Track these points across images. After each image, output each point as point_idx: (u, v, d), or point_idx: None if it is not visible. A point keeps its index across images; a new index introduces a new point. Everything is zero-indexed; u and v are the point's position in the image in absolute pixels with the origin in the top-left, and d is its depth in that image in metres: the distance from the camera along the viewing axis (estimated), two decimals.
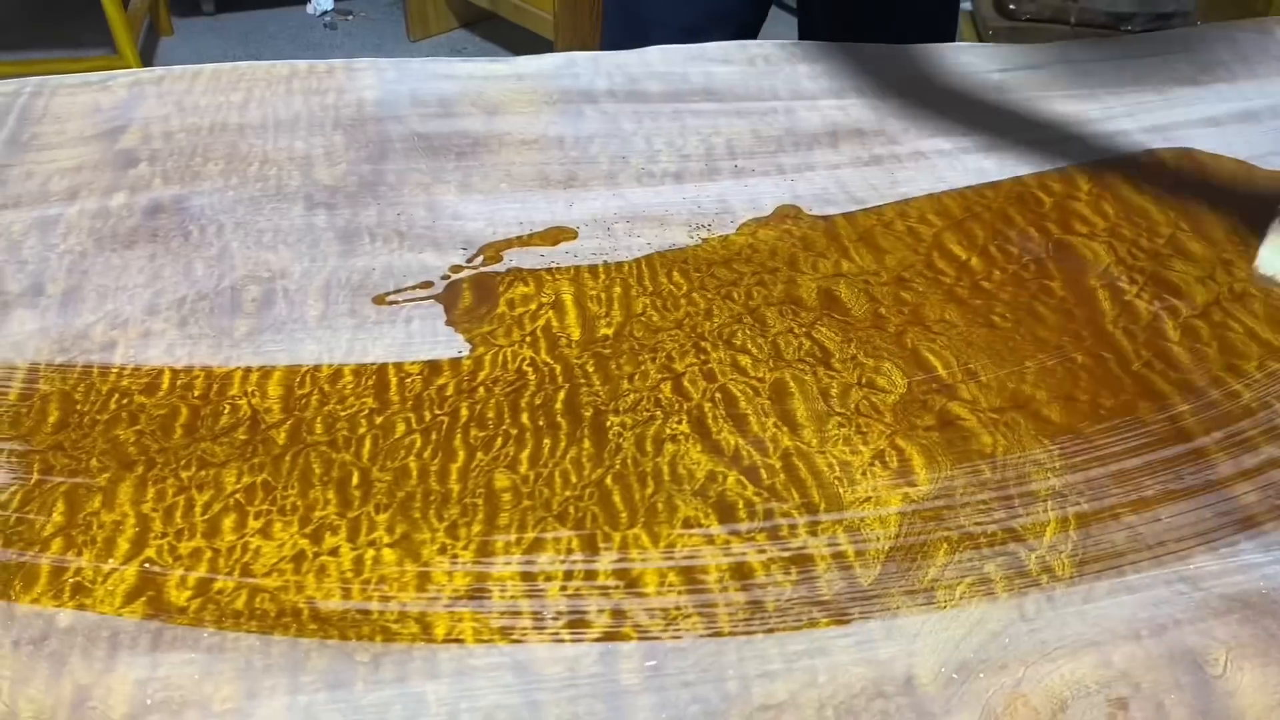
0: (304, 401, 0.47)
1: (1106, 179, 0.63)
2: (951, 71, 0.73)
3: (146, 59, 2.08)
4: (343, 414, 0.46)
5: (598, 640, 0.38)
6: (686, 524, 0.42)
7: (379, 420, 0.46)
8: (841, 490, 0.44)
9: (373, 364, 0.49)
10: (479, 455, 0.45)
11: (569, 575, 0.40)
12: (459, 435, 0.46)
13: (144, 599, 0.39)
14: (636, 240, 0.57)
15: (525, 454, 0.45)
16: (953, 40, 0.90)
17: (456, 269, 0.55)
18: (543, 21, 2.08)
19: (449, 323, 0.51)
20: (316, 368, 0.48)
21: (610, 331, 0.51)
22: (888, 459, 0.45)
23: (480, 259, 0.55)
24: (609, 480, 0.44)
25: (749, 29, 0.93)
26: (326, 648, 0.37)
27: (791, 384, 0.48)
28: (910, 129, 0.67)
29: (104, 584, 0.39)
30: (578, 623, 0.39)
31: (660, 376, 0.49)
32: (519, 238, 0.57)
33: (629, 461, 0.45)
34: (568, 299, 0.53)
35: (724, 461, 0.45)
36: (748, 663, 0.37)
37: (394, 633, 0.38)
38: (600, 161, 0.63)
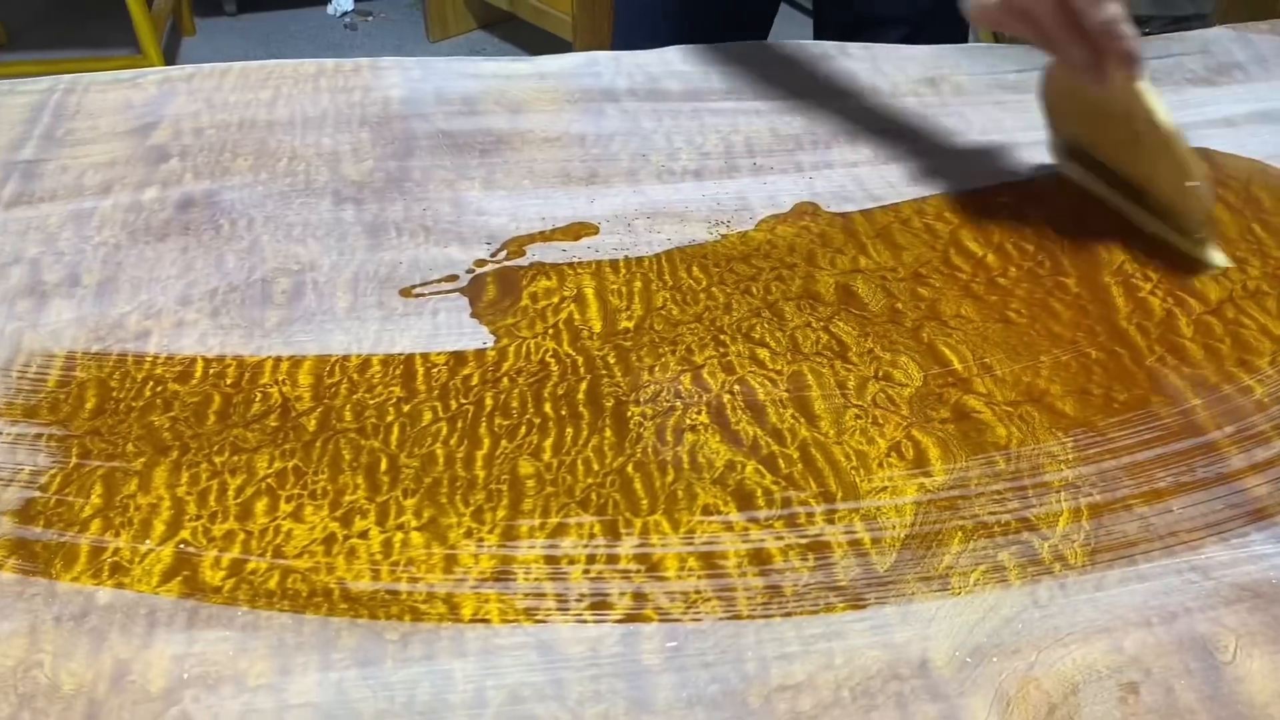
0: (333, 390, 0.48)
1: None
2: (968, 72, 0.74)
3: (169, 58, 2.11)
4: (371, 402, 0.47)
5: (619, 622, 0.39)
6: (706, 511, 0.43)
7: (406, 408, 0.47)
8: (858, 480, 0.45)
9: (400, 354, 0.50)
10: (503, 443, 0.46)
11: (591, 559, 0.41)
12: (484, 423, 0.47)
13: (180, 578, 0.40)
14: (656, 236, 0.58)
15: (548, 442, 0.46)
16: (965, 42, 0.91)
17: (481, 263, 0.56)
18: (561, 22, 2.09)
19: (474, 315, 0.53)
20: (345, 357, 0.50)
21: (631, 324, 0.52)
22: (904, 450, 0.46)
23: (504, 253, 0.56)
24: (630, 468, 0.45)
25: (759, 28, 0.94)
26: (357, 626, 0.39)
27: (809, 377, 0.49)
28: (926, 127, 0.68)
29: (141, 564, 0.41)
30: (600, 605, 0.40)
31: (680, 368, 0.50)
32: (541, 233, 0.58)
33: (649, 450, 0.46)
34: (589, 292, 0.54)
35: (742, 451, 0.46)
36: (766, 645, 0.38)
37: (422, 612, 0.39)
38: (621, 159, 0.64)
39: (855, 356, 0.51)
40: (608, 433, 0.46)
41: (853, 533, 0.42)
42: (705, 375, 0.49)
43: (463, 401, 0.48)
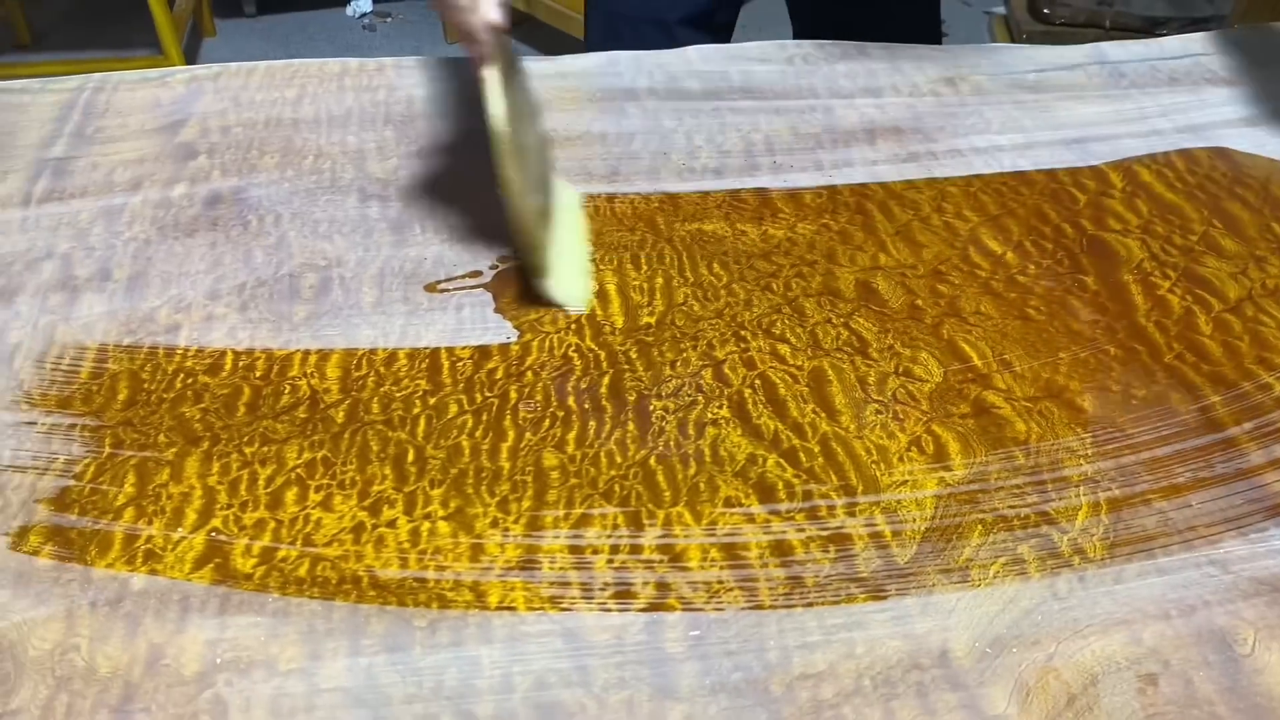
0: (361, 383, 0.49)
1: (1140, 177, 0.64)
2: (987, 71, 0.75)
3: (190, 59, 2.12)
4: (398, 395, 0.48)
5: (643, 610, 0.40)
6: (728, 503, 0.44)
7: (432, 401, 0.48)
8: (879, 474, 0.45)
9: (425, 348, 0.51)
10: (528, 435, 0.46)
11: (615, 549, 0.42)
12: (508, 416, 0.47)
13: (211, 565, 0.41)
14: (677, 233, 0.59)
15: (572, 435, 0.47)
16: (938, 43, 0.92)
17: (504, 259, 0.56)
18: (577, 23, 2.10)
19: (497, 310, 0.53)
20: (372, 351, 0.50)
21: (653, 320, 0.53)
22: (924, 444, 0.46)
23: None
24: (652, 461, 0.45)
25: (721, 28, 0.94)
26: (385, 613, 0.39)
27: (830, 372, 0.50)
28: (946, 127, 0.68)
29: (174, 551, 0.41)
30: (624, 594, 0.40)
31: (701, 363, 0.50)
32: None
33: (671, 443, 0.46)
34: (611, 288, 0.55)
35: (764, 445, 0.46)
36: (788, 634, 0.39)
37: (449, 600, 0.40)
38: (642, 157, 0.65)
39: (875, 352, 0.51)
40: (630, 426, 0.47)
41: (873, 525, 0.43)
42: (726, 370, 0.50)
43: (487, 395, 0.48)
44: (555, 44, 2.23)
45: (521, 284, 0.54)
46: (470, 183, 0.62)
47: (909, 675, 0.38)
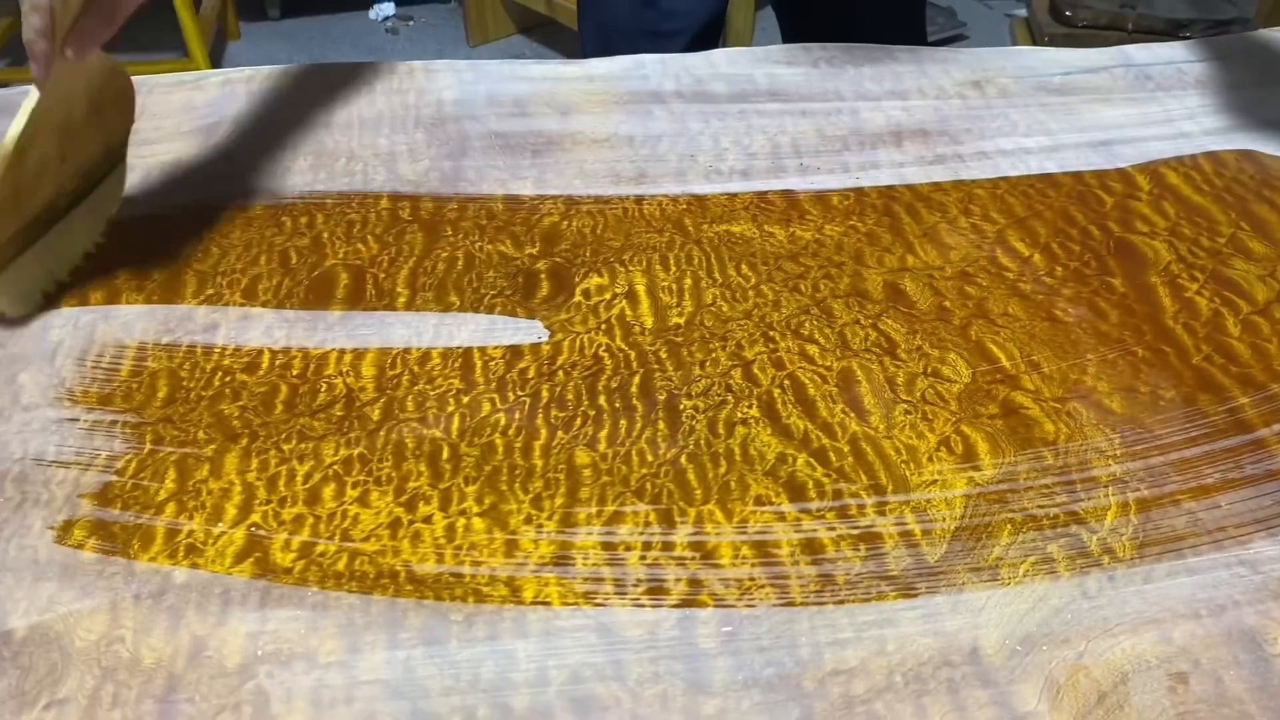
0: (395, 381, 0.49)
1: (1167, 180, 0.64)
2: (1012, 74, 0.75)
3: (215, 62, 2.14)
4: (432, 393, 0.49)
5: (676, 606, 0.40)
6: (758, 501, 0.44)
7: (466, 400, 0.49)
8: (908, 473, 0.46)
9: (458, 348, 0.51)
10: (560, 434, 0.47)
11: (647, 546, 0.42)
12: (540, 415, 0.48)
13: (252, 560, 0.42)
14: (705, 235, 0.59)
15: (604, 433, 0.47)
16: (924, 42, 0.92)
17: (534, 260, 0.57)
18: None
19: (528, 311, 0.54)
20: (406, 350, 0.51)
21: (682, 320, 0.54)
22: (953, 444, 0.47)
23: (556, 251, 0.58)
24: (683, 459, 0.46)
25: (708, 36, 0.95)
26: (422, 607, 0.40)
27: (859, 373, 0.50)
28: (972, 129, 0.69)
29: (214, 545, 0.42)
30: (657, 590, 0.41)
31: (730, 363, 0.51)
32: (593, 231, 0.59)
33: (702, 442, 0.47)
34: (641, 289, 0.55)
35: (793, 444, 0.47)
36: (819, 631, 0.39)
37: (485, 595, 0.40)
38: (669, 160, 0.66)
39: (904, 353, 0.51)
40: (661, 425, 0.48)
41: (903, 524, 0.43)
42: (755, 370, 0.50)
43: (520, 394, 0.49)
44: (578, 48, 2.24)
45: None
46: (500, 184, 0.63)
47: (940, 672, 0.38)
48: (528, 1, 2.23)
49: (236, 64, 2.20)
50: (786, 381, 0.50)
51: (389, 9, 2.44)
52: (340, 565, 0.41)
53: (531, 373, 0.50)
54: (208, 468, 0.45)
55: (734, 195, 0.63)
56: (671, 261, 0.57)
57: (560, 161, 0.65)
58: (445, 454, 0.46)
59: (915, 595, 0.41)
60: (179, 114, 0.68)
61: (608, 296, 0.55)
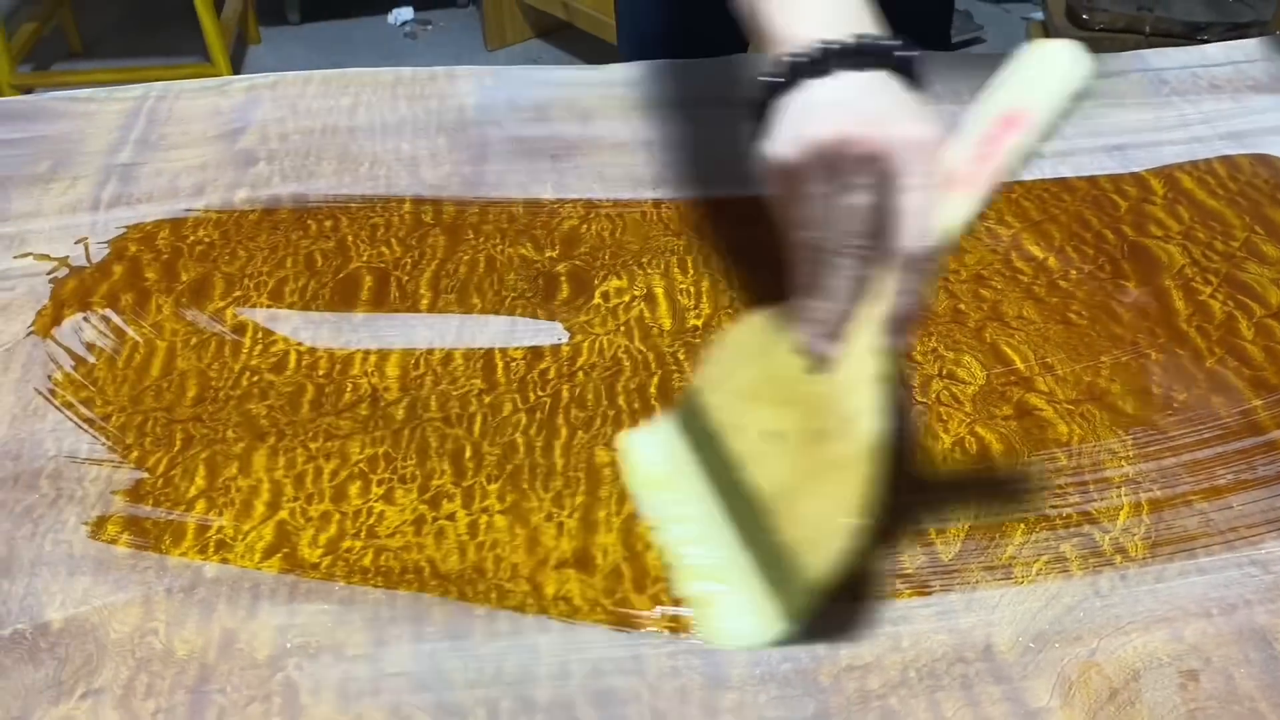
0: (419, 381, 0.50)
1: (1182, 184, 0.65)
2: None
3: (236, 67, 2.16)
4: (454, 394, 0.50)
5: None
6: None
7: (488, 400, 0.49)
8: (923, 473, 0.46)
9: (480, 349, 0.52)
10: (580, 434, 0.48)
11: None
12: (561, 415, 0.49)
13: (280, 555, 0.43)
14: (722, 238, 0.60)
15: (623, 433, 0.48)
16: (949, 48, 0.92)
17: (554, 263, 0.58)
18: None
19: (548, 313, 0.55)
20: (429, 351, 0.52)
21: (699, 322, 0.54)
22: (967, 445, 0.47)
23: (576, 254, 0.59)
24: None
25: (739, 42, 0.95)
26: (446, 602, 0.41)
27: None
28: None
29: (244, 541, 0.43)
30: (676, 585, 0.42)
31: None
32: (612, 235, 0.60)
33: None
34: (659, 292, 0.56)
35: None
36: (835, 627, 0.40)
37: (507, 590, 0.41)
38: (688, 164, 0.66)
39: (919, 355, 0.52)
40: None
41: (918, 523, 0.44)
42: None
43: (540, 394, 0.50)
44: (596, 52, 2.25)
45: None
46: (521, 188, 0.64)
47: (953, 668, 0.39)
48: (545, 6, 2.25)
49: (257, 68, 2.23)
50: None
51: (407, 14, 2.46)
52: (366, 561, 0.42)
53: (552, 373, 0.51)
54: (236, 465, 0.46)
55: (752, 199, 0.63)
56: (690, 264, 0.58)
57: (580, 166, 0.66)
58: (468, 453, 0.47)
59: (929, 593, 0.41)
60: (205, 119, 0.70)
61: (626, 299, 0.56)
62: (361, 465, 0.46)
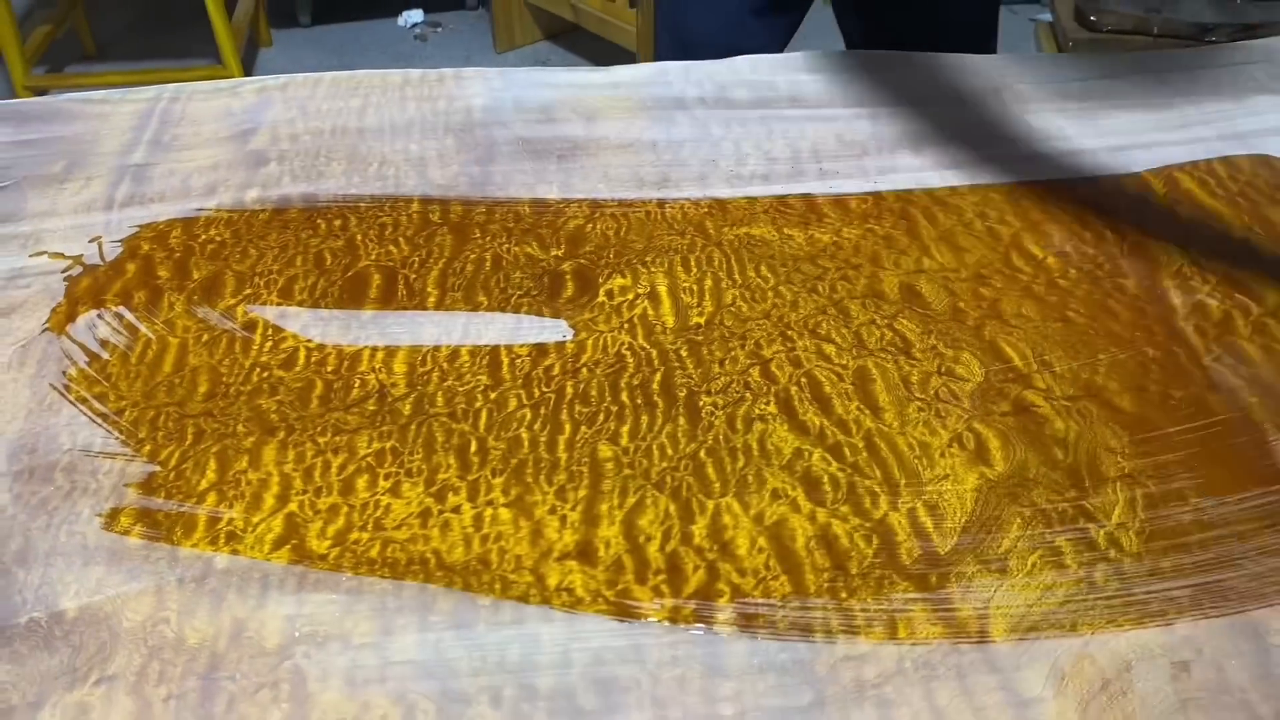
0: (426, 378, 0.51)
1: (1182, 184, 0.65)
2: (1031, 80, 0.76)
3: (247, 69, 2.18)
4: (461, 390, 0.51)
5: (694, 594, 0.42)
6: (775, 495, 0.46)
7: (493, 395, 0.50)
8: (921, 468, 0.47)
9: (486, 346, 0.53)
10: (583, 429, 0.49)
11: (667, 536, 0.44)
12: (565, 410, 0.50)
13: (289, 547, 0.44)
14: (725, 237, 0.61)
15: (625, 429, 0.49)
16: (993, 53, 0.93)
17: (559, 261, 0.59)
18: (624, 33, 2.13)
19: (553, 310, 0.56)
20: (436, 348, 0.53)
21: (702, 320, 0.55)
22: (965, 441, 0.48)
23: (581, 253, 0.60)
24: (702, 454, 0.48)
25: (778, 49, 0.96)
26: (451, 593, 0.42)
27: (874, 371, 0.52)
28: (991, 135, 0.70)
29: (253, 533, 0.44)
30: (676, 578, 0.42)
31: (749, 362, 0.52)
32: (617, 234, 0.61)
33: (720, 438, 0.48)
34: (663, 290, 0.57)
35: (809, 440, 0.48)
36: (832, 618, 0.41)
37: (511, 581, 0.42)
38: (691, 164, 0.67)
39: (919, 352, 0.53)
40: (681, 420, 0.49)
41: (915, 517, 0.45)
42: (773, 368, 0.52)
43: (544, 390, 0.51)
44: (603, 54, 2.26)
45: None
46: (527, 188, 0.64)
47: (948, 659, 0.40)
48: (554, 8, 2.26)
49: (268, 69, 2.24)
50: (803, 379, 0.51)
51: (417, 16, 2.48)
52: (373, 552, 0.43)
53: (556, 370, 0.52)
54: (247, 459, 0.47)
55: (754, 199, 0.64)
56: (693, 263, 0.59)
57: (585, 166, 0.67)
58: (473, 447, 0.48)
59: (926, 585, 0.42)
60: (216, 120, 0.71)
61: (630, 297, 0.57)
62: (369, 459, 0.47)
